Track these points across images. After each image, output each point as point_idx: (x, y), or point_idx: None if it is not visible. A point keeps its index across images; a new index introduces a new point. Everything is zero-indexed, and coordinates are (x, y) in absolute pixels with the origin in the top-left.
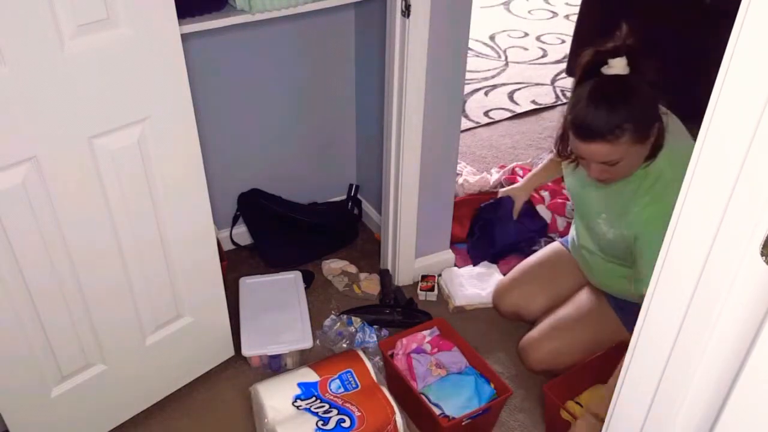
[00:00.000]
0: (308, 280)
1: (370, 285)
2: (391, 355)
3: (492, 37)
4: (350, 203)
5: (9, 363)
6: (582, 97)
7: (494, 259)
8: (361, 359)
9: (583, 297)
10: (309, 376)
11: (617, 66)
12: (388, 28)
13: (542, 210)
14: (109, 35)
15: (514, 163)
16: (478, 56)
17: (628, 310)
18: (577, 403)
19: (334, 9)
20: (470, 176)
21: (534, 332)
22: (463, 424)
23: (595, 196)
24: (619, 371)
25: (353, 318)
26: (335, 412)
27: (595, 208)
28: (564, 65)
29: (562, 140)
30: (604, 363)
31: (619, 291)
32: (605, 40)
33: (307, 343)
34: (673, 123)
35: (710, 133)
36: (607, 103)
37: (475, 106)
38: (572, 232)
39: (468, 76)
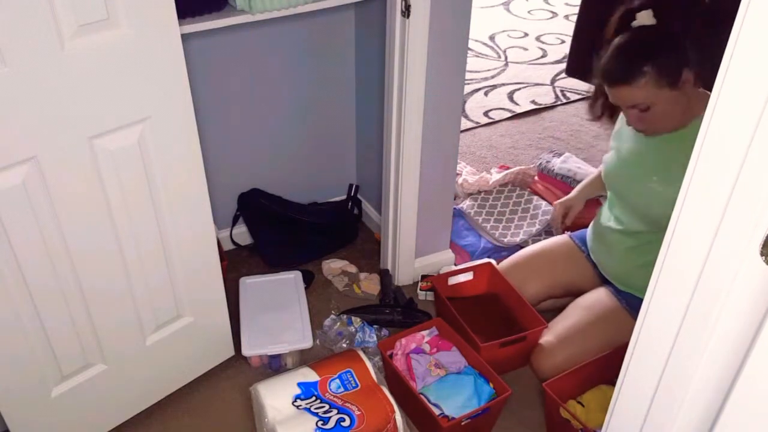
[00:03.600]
0: (308, 280)
1: (370, 285)
2: (390, 356)
3: (492, 37)
4: (350, 203)
5: (9, 363)
6: (611, 47)
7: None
8: (361, 359)
9: (595, 300)
10: (309, 375)
11: (643, 17)
12: (388, 28)
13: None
14: (109, 35)
15: (518, 167)
16: (478, 56)
17: None
18: (579, 402)
19: (334, 9)
20: (470, 176)
21: (545, 342)
22: (463, 424)
23: (652, 157)
24: None
25: (353, 318)
26: (335, 411)
27: (648, 169)
28: (564, 65)
29: (594, 100)
30: (606, 362)
31: (634, 283)
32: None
33: (307, 342)
34: None
35: (710, 133)
36: (628, 48)
37: (475, 106)
38: (591, 227)
39: (468, 76)
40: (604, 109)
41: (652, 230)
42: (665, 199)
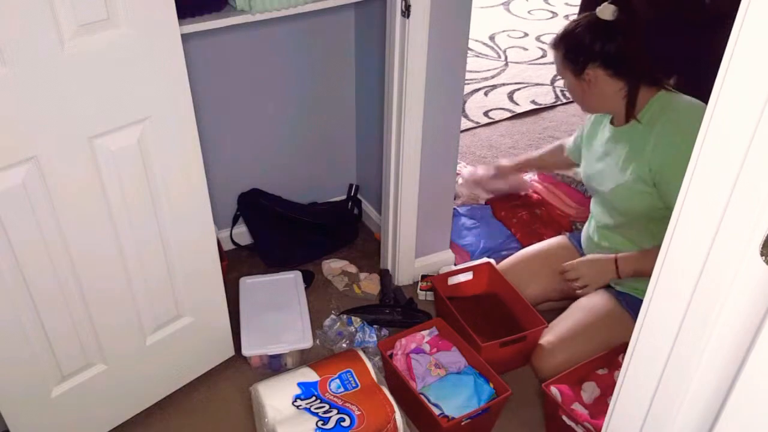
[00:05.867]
0: (308, 280)
1: (370, 285)
2: (390, 356)
3: (492, 37)
4: (350, 203)
5: (9, 363)
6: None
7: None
8: (360, 359)
9: (596, 301)
10: (309, 375)
11: (605, 9)
12: (388, 28)
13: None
14: (109, 35)
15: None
16: (478, 56)
17: None
18: None
19: (334, 9)
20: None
21: (546, 342)
22: (463, 424)
23: (618, 152)
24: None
25: (353, 318)
26: (335, 411)
27: (618, 164)
28: None
29: None
30: (603, 362)
31: (627, 282)
32: None
33: (307, 342)
34: (671, 96)
35: (710, 133)
36: (574, 23)
37: (475, 106)
38: (586, 227)
39: (468, 76)
40: None
41: (626, 222)
42: (626, 188)
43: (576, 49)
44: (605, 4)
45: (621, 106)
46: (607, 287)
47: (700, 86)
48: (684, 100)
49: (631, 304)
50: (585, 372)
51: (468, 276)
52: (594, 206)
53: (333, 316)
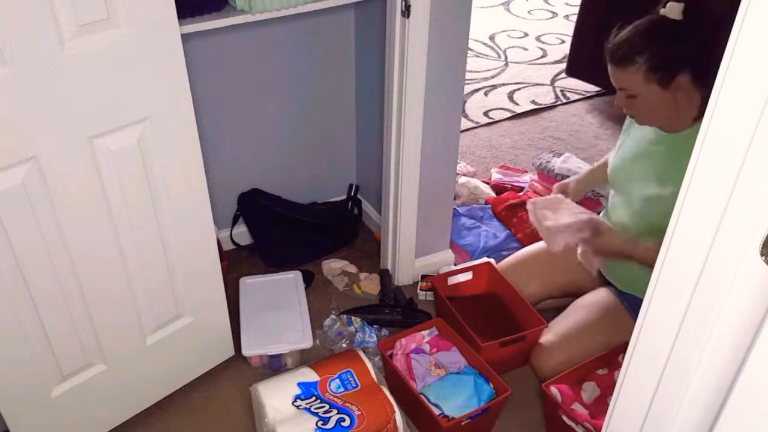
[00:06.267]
0: (308, 279)
1: (370, 285)
2: (390, 356)
3: (492, 37)
4: (350, 203)
5: (9, 363)
6: (631, 25)
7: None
8: (360, 359)
9: (596, 300)
10: (309, 375)
11: (673, 9)
12: (388, 28)
13: None
14: (109, 35)
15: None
16: (478, 56)
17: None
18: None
19: (334, 9)
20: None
21: (546, 342)
22: (463, 424)
23: (654, 157)
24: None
25: (353, 318)
26: (335, 411)
27: (649, 168)
28: (564, 65)
29: None
30: (603, 362)
31: (638, 287)
32: None
33: (307, 342)
34: None
35: (710, 133)
36: (634, 33)
37: (475, 106)
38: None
39: (468, 76)
40: None
41: (652, 235)
42: (664, 203)
43: (662, 56)
44: (671, 3)
45: (689, 116)
46: (609, 284)
47: None
48: None
49: (632, 304)
50: (585, 372)
51: (468, 276)
52: (613, 202)
53: (333, 316)
